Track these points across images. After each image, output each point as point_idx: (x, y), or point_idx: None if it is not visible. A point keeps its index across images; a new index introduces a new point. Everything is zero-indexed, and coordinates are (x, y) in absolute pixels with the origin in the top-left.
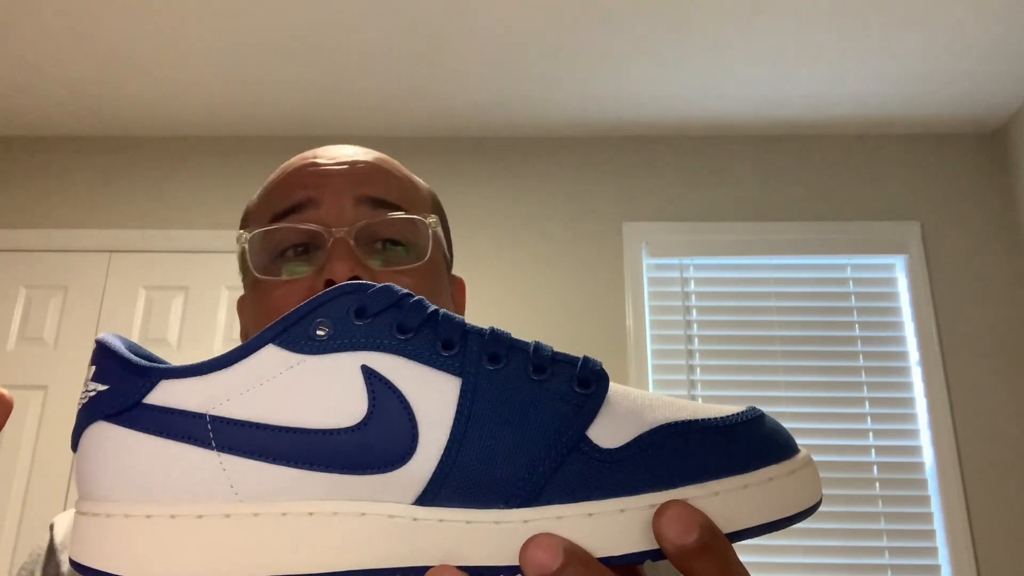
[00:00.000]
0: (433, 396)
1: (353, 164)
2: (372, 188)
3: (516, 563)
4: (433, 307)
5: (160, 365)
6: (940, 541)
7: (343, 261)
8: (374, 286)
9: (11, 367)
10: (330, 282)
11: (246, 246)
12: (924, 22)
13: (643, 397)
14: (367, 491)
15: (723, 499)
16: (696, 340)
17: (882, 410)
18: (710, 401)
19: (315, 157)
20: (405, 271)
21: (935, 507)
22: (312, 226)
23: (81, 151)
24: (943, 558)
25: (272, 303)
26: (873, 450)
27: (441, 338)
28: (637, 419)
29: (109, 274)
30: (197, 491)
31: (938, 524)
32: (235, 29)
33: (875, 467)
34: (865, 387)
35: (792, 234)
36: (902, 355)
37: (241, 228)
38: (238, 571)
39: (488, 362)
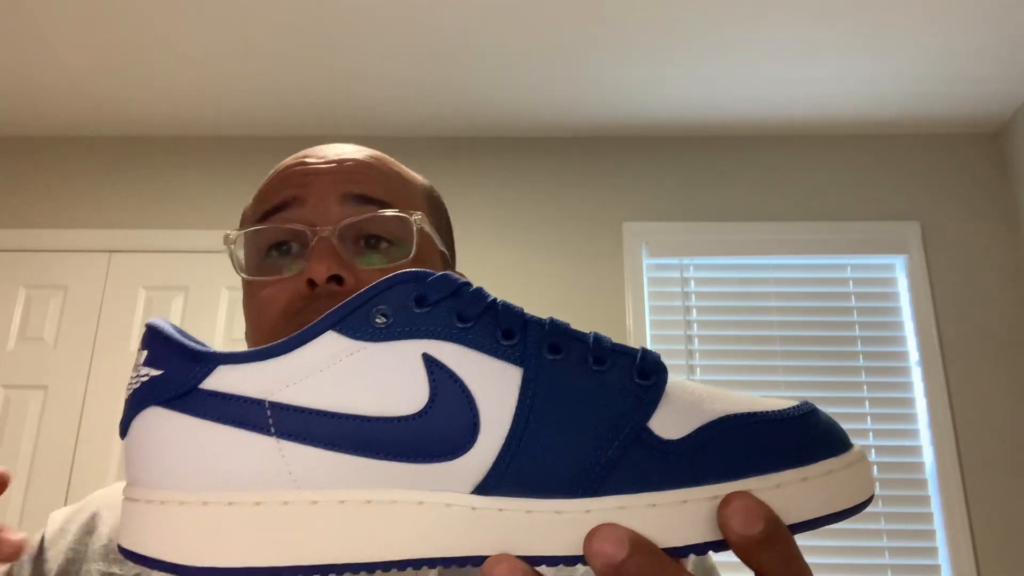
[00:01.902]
0: (494, 385)
1: (340, 162)
2: (357, 185)
3: (578, 553)
4: (492, 296)
5: (214, 350)
6: (940, 541)
7: (323, 260)
8: (433, 274)
9: (11, 367)
10: (311, 282)
11: (232, 247)
12: (924, 22)
13: (700, 389)
14: (426, 480)
15: (784, 491)
16: (696, 340)
17: (882, 410)
18: None
19: (305, 156)
20: (388, 269)
21: (935, 507)
22: (295, 225)
23: (81, 151)
24: (943, 558)
25: (260, 303)
26: (873, 450)
27: (501, 327)
28: (697, 411)
29: (109, 274)
30: (255, 478)
31: (938, 524)
32: (235, 29)
33: (875, 467)
34: (865, 387)
35: (792, 234)
36: (902, 355)
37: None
38: (295, 559)
39: (548, 352)
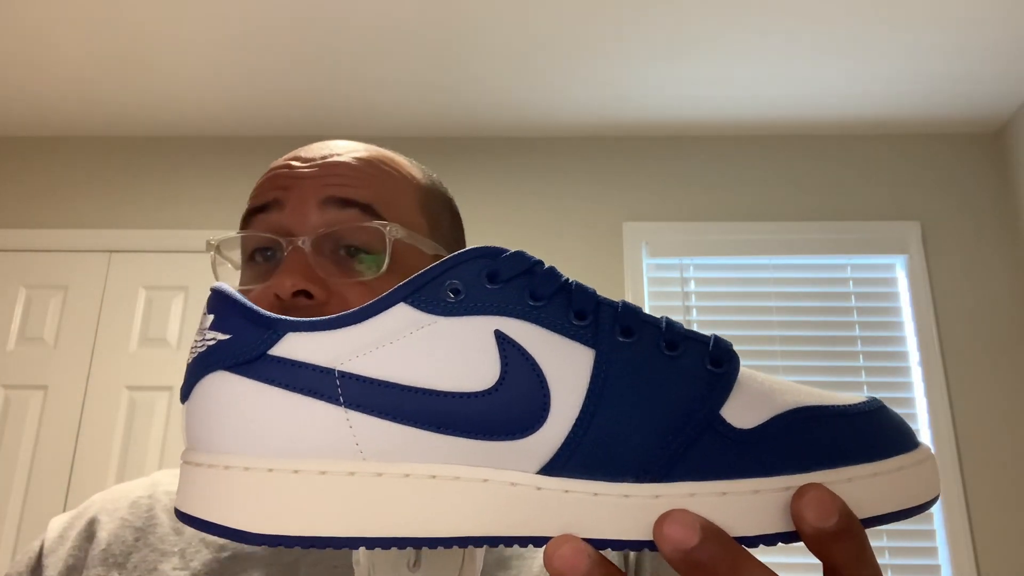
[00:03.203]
0: (566, 365)
1: (325, 164)
2: (340, 188)
3: (644, 538)
4: (565, 277)
5: (284, 317)
6: (940, 541)
7: (289, 275)
8: (507, 251)
9: (11, 367)
10: (277, 296)
11: (214, 253)
12: (924, 22)
13: (770, 380)
14: (492, 457)
15: (856, 485)
16: None
17: None
18: None
19: (293, 157)
20: (359, 284)
21: (935, 507)
22: (268, 234)
23: (81, 151)
24: (943, 558)
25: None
26: None
27: (574, 308)
28: (768, 401)
29: (109, 274)
30: (322, 447)
31: (938, 524)
32: (236, 29)
33: None
34: (865, 387)
35: (792, 234)
36: (902, 355)
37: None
38: (358, 530)
39: (621, 335)
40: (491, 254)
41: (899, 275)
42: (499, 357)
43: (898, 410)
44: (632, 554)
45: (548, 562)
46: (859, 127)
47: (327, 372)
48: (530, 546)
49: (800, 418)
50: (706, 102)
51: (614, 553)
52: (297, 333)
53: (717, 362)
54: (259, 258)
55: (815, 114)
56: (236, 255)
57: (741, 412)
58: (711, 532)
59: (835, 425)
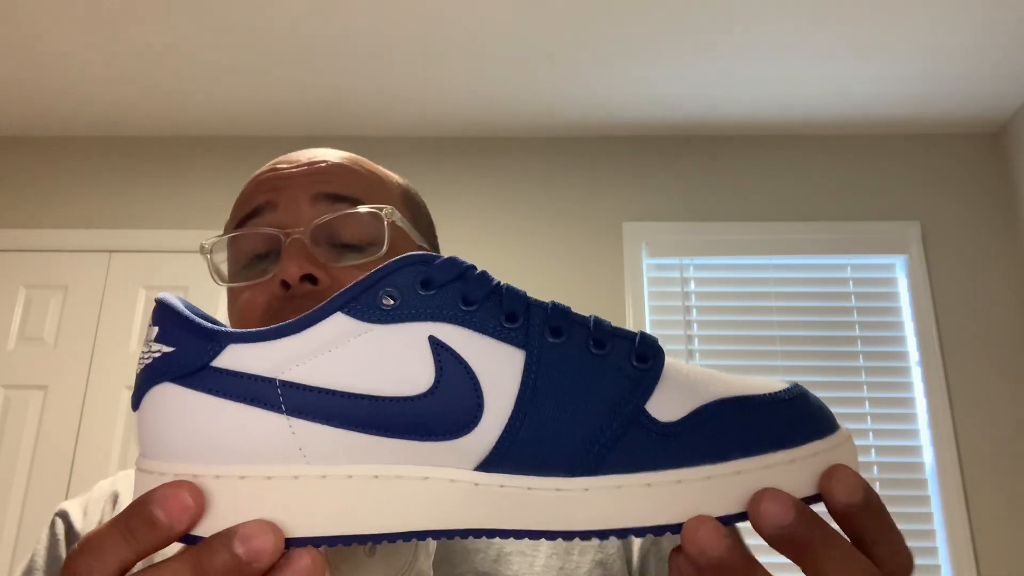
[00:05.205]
0: (498, 367)
1: (311, 164)
2: (328, 185)
3: (574, 529)
4: (496, 280)
5: (225, 328)
6: (940, 541)
7: (293, 260)
8: (440, 257)
9: (11, 367)
10: (284, 284)
11: (209, 256)
12: (924, 22)
13: (696, 372)
14: (431, 457)
15: (773, 472)
16: (696, 340)
17: (882, 410)
18: None
19: (277, 163)
20: (359, 265)
21: (935, 507)
22: (268, 229)
23: (81, 151)
24: (943, 558)
25: (240, 308)
26: (873, 450)
27: (505, 311)
28: (692, 393)
29: (109, 274)
30: (266, 453)
31: (938, 524)
32: (235, 29)
33: (875, 467)
34: (865, 387)
35: (792, 234)
36: (902, 355)
37: None
38: (305, 530)
39: (550, 335)
40: (424, 260)
41: (899, 275)
42: (433, 362)
43: (898, 410)
44: (636, 555)
45: (687, 543)
46: (859, 127)
47: (268, 381)
48: (527, 539)
49: (720, 409)
50: (705, 102)
51: (615, 553)
52: (238, 344)
53: (643, 358)
54: (255, 260)
55: (815, 114)
56: (223, 264)
57: (665, 406)
58: (803, 511)
59: (755, 414)
